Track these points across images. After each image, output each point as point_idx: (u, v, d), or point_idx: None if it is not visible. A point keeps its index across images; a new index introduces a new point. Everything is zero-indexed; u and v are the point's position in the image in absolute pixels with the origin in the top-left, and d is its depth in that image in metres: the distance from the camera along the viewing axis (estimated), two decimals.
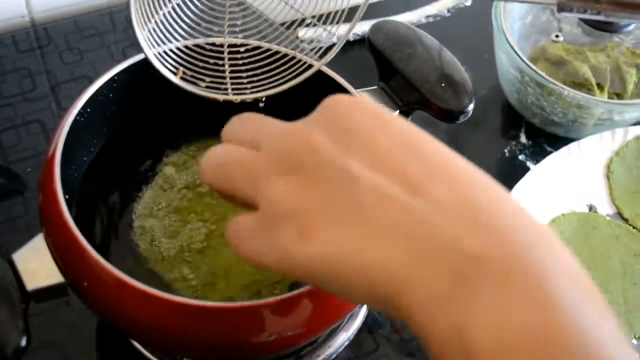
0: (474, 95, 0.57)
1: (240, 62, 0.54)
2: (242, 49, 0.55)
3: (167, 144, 0.60)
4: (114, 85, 0.55)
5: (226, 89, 0.54)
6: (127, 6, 0.48)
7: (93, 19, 0.82)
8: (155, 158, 0.59)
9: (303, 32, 0.92)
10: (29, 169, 0.68)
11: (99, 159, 0.57)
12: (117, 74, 0.54)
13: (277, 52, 0.55)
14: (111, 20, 0.82)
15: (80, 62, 0.78)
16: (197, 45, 0.53)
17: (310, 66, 0.54)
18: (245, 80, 0.54)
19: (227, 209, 0.55)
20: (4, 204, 0.66)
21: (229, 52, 0.54)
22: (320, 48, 0.54)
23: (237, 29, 0.55)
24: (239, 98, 0.54)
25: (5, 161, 0.69)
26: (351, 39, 0.93)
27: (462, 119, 0.56)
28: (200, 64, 0.53)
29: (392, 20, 0.60)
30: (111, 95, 0.55)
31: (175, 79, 0.52)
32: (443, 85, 0.55)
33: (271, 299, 0.44)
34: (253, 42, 0.55)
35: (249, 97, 0.54)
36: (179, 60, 0.52)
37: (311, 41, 0.92)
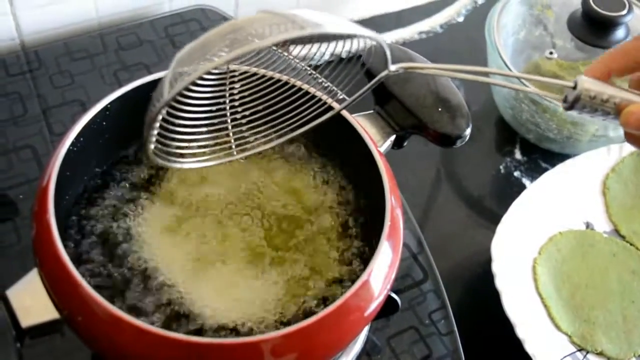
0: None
1: (251, 110, 0.54)
2: (250, 89, 0.54)
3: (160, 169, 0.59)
4: (107, 113, 0.54)
5: (230, 148, 0.54)
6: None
7: (84, 41, 0.81)
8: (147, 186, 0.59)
9: (297, 51, 0.92)
10: (21, 196, 0.67)
11: (92, 187, 0.56)
12: (111, 102, 0.54)
13: (290, 88, 0.54)
14: (102, 42, 0.81)
15: (72, 85, 0.77)
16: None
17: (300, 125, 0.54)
18: (246, 134, 0.54)
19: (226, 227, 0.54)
20: None
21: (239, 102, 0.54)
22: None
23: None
24: (244, 155, 0.54)
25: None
26: (343, 57, 0.93)
27: (459, 144, 0.55)
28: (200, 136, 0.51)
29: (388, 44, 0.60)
30: (104, 123, 0.54)
31: (181, 165, 0.50)
32: (440, 109, 0.55)
33: (270, 334, 0.43)
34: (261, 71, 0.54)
35: (252, 152, 0.54)
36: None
37: (304, 59, 0.93)
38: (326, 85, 0.54)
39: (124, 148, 0.58)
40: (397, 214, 0.50)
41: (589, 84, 0.44)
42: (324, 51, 0.51)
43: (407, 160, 0.80)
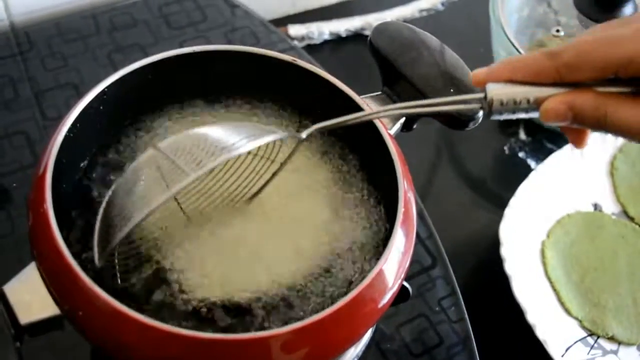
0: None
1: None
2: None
3: None
4: (104, 97, 0.52)
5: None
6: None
7: (76, 22, 0.79)
8: None
9: (294, 30, 0.90)
10: (14, 184, 0.65)
11: (89, 174, 0.54)
12: (108, 86, 0.51)
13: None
14: (95, 23, 0.78)
15: (64, 68, 0.74)
16: None
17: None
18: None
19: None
20: None
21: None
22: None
23: None
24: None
25: None
26: (343, 35, 0.91)
27: (471, 126, 0.53)
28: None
29: (394, 22, 0.57)
30: (101, 107, 0.52)
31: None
32: (452, 91, 0.53)
33: (280, 330, 0.42)
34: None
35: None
36: None
37: (302, 38, 0.90)
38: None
39: (120, 133, 0.56)
40: (410, 199, 0.48)
41: (497, 90, 0.43)
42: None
43: (407, 142, 0.78)
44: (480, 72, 0.44)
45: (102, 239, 0.44)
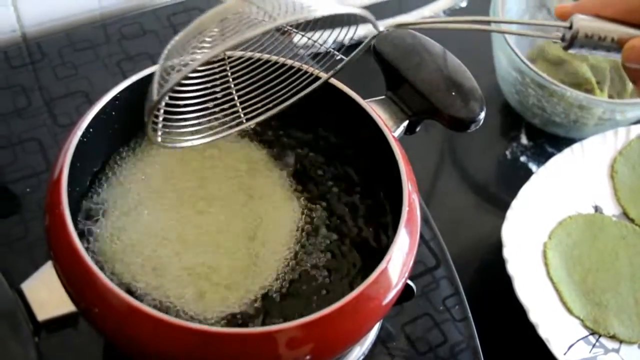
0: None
1: (246, 83, 0.53)
2: (245, 68, 0.53)
3: None
4: (117, 103, 0.53)
5: (239, 117, 0.53)
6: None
7: (86, 31, 0.80)
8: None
9: (298, 38, 0.91)
10: (28, 189, 0.67)
11: (100, 177, 0.56)
12: (120, 92, 0.53)
13: (283, 66, 0.53)
14: (105, 33, 0.80)
15: (75, 76, 0.76)
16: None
17: (317, 78, 0.53)
18: (255, 101, 0.53)
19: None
20: (2, 226, 0.64)
21: (233, 77, 0.53)
22: (325, 59, 0.53)
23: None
24: (252, 123, 0.53)
25: (2, 182, 0.67)
26: (347, 43, 0.92)
27: (473, 128, 0.55)
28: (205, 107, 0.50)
29: (397, 29, 0.59)
30: (114, 113, 0.53)
31: (189, 144, 0.50)
32: (453, 93, 0.54)
33: (286, 325, 0.43)
34: (256, 55, 0.54)
35: (261, 118, 0.53)
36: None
37: (307, 47, 0.92)
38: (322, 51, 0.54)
39: (131, 138, 0.57)
40: (414, 199, 0.50)
41: (584, 22, 0.43)
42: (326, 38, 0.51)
43: (410, 148, 0.79)
44: (566, 4, 0.44)
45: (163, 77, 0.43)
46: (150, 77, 0.54)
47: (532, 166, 0.83)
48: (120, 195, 0.54)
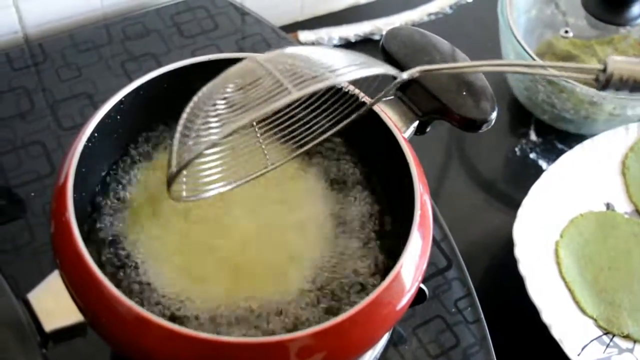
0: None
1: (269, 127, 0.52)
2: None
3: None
4: (122, 106, 0.52)
5: (265, 160, 0.52)
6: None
7: (89, 32, 0.79)
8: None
9: (304, 36, 0.90)
10: (32, 194, 0.66)
11: (106, 181, 0.55)
12: (125, 96, 0.52)
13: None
14: (108, 33, 0.79)
15: (79, 78, 0.75)
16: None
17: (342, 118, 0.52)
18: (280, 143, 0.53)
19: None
20: (6, 232, 0.63)
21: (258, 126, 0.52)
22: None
23: None
24: (277, 166, 0.52)
25: (6, 186, 0.66)
26: (353, 40, 0.92)
27: (484, 128, 0.54)
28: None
29: (405, 27, 0.58)
30: (119, 117, 0.53)
31: (216, 191, 0.49)
32: (464, 93, 0.53)
33: (298, 333, 0.42)
34: None
35: (285, 160, 0.52)
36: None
37: (312, 44, 0.91)
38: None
39: (137, 142, 0.57)
40: (426, 201, 0.49)
41: (619, 64, 0.42)
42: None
43: (418, 145, 0.78)
44: None
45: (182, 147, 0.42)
46: (155, 80, 0.54)
47: (542, 163, 0.82)
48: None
